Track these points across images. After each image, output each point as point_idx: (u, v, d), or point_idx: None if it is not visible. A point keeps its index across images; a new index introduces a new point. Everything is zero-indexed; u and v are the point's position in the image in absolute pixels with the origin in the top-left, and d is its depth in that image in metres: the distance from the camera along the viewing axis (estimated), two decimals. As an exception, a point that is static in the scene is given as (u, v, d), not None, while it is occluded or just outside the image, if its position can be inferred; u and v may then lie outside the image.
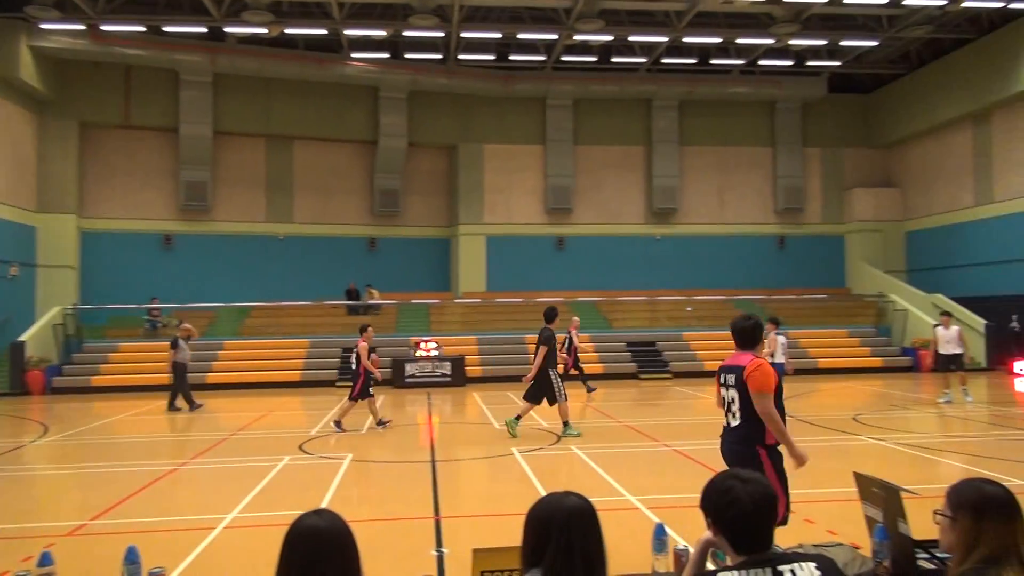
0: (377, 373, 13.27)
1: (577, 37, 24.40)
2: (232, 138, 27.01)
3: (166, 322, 24.42)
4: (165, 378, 17.04)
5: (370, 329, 13.33)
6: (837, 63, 27.52)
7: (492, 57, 26.36)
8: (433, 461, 10.29)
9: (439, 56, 26.42)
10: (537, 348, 12.24)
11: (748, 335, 5.28)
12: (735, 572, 2.26)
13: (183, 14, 23.08)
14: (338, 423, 12.95)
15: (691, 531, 2.65)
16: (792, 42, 25.04)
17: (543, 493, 2.41)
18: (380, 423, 13.19)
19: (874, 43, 25.44)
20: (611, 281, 28.59)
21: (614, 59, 26.69)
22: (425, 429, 14.23)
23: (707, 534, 2.48)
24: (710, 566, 2.61)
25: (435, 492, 8.40)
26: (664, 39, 24.61)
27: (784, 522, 4.75)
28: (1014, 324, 22.98)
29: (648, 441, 11.70)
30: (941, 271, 27.18)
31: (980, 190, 25.72)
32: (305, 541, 2.18)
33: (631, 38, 24.74)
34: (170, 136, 26.25)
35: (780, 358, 14.28)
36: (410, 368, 21.72)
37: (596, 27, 23.35)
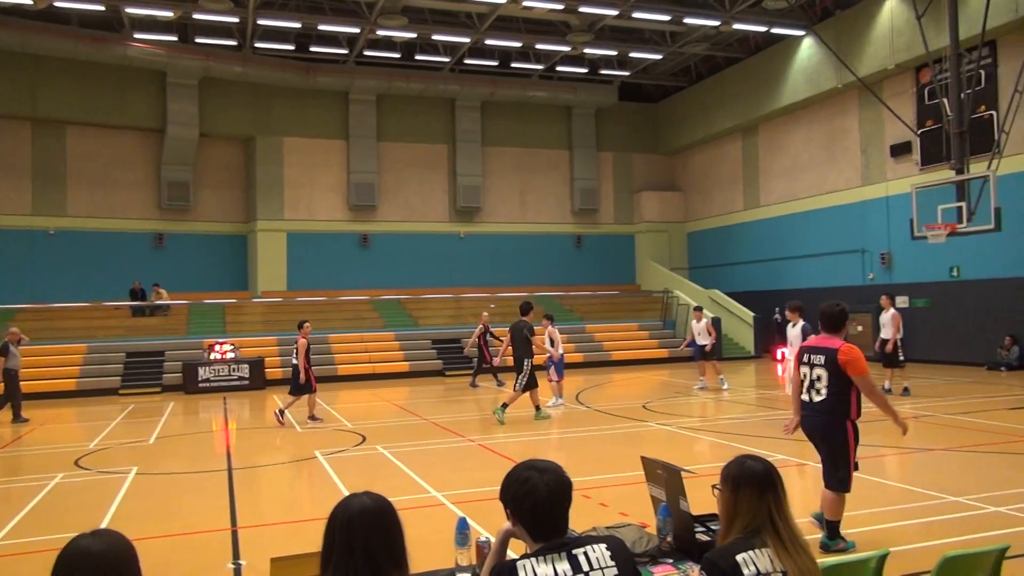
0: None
1: (380, 32, 24.17)
2: (-10, 120, 24.08)
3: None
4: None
5: (307, 324, 13.87)
6: (627, 73, 29.33)
7: (291, 47, 25.43)
8: (230, 469, 9.78)
9: (234, 43, 25.09)
10: (513, 340, 13.32)
11: (836, 320, 5.74)
12: (532, 559, 2.34)
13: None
14: (312, 416, 13.71)
15: (495, 523, 2.71)
16: (586, 51, 26.39)
17: (347, 494, 2.37)
18: (313, 418, 13.76)
19: (659, 56, 27.39)
20: (416, 279, 28.62)
21: (418, 57, 26.71)
22: (221, 436, 13.48)
23: (507, 524, 2.55)
24: (511, 554, 2.68)
25: (232, 502, 7.99)
26: (466, 40, 24.99)
27: (848, 488, 5.63)
28: (777, 316, 25.68)
29: (453, 437, 11.84)
30: (718, 268, 29.82)
31: (749, 195, 28.49)
32: (76, 566, 1.95)
33: (435, 37, 24.88)
34: (-90, 115, 22.94)
35: (554, 349, 15.00)
36: (203, 372, 20.46)
37: (399, 23, 23.27)
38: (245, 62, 25.76)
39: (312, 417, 13.79)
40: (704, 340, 17.06)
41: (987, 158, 16.05)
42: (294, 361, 13.70)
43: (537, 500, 2.37)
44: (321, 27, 23.70)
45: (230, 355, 20.85)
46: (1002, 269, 19.13)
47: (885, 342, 14.67)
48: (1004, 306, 18.89)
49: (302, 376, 13.55)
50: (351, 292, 27.54)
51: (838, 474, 5.67)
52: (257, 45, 25.16)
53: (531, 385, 12.99)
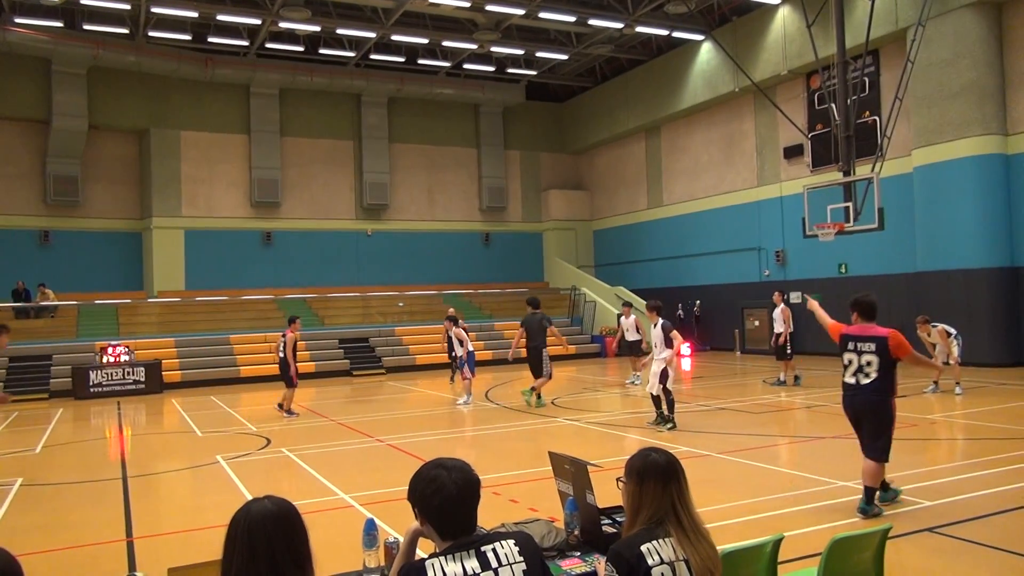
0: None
1: (283, 25, 23.55)
2: None
3: None
4: None
5: (298, 320, 14.53)
6: (533, 72, 29.59)
7: (188, 37, 24.45)
8: (124, 478, 9.36)
9: (126, 31, 23.95)
10: (528, 332, 14.14)
11: (873, 309, 6.57)
12: (441, 558, 2.34)
13: None
14: (289, 411, 14.01)
15: (404, 523, 2.69)
16: (493, 49, 26.48)
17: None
18: (290, 412, 14.03)
19: (564, 57, 27.76)
20: (322, 277, 28.07)
21: (322, 51, 26.16)
22: (115, 443, 12.87)
23: (415, 524, 2.54)
24: (421, 554, 2.68)
25: (127, 511, 7.65)
26: (372, 35, 24.65)
27: (888, 458, 6.32)
28: (680, 312, 26.46)
29: (361, 437, 11.69)
30: (623, 266, 30.48)
31: (652, 194, 29.25)
32: None
33: (339, 31, 24.43)
34: None
35: (463, 348, 15.10)
36: (95, 376, 19.46)
37: (302, 16, 22.73)
38: (138, 51, 24.62)
39: (288, 411, 14.07)
40: (634, 336, 17.48)
41: (871, 161, 17.00)
42: (281, 355, 14.19)
43: (445, 498, 2.37)
44: (220, 17, 22.89)
45: (124, 358, 19.92)
46: (885, 266, 20.30)
47: (778, 336, 15.52)
48: (887, 300, 20.01)
49: (291, 369, 13.96)
50: (254, 291, 26.76)
51: (880, 445, 6.31)
52: (151, 34, 24.09)
53: (544, 373, 14.01)
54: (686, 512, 2.61)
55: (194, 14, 22.73)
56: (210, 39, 24.61)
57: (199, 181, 26.77)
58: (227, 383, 21.27)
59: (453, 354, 17.76)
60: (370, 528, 3.12)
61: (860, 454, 6.53)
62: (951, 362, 13.49)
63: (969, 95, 17.83)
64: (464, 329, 16.00)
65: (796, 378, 15.74)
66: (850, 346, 6.48)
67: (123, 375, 19.71)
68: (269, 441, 11.40)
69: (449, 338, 17.04)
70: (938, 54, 18.20)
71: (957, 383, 13.55)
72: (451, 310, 19.13)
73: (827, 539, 3.34)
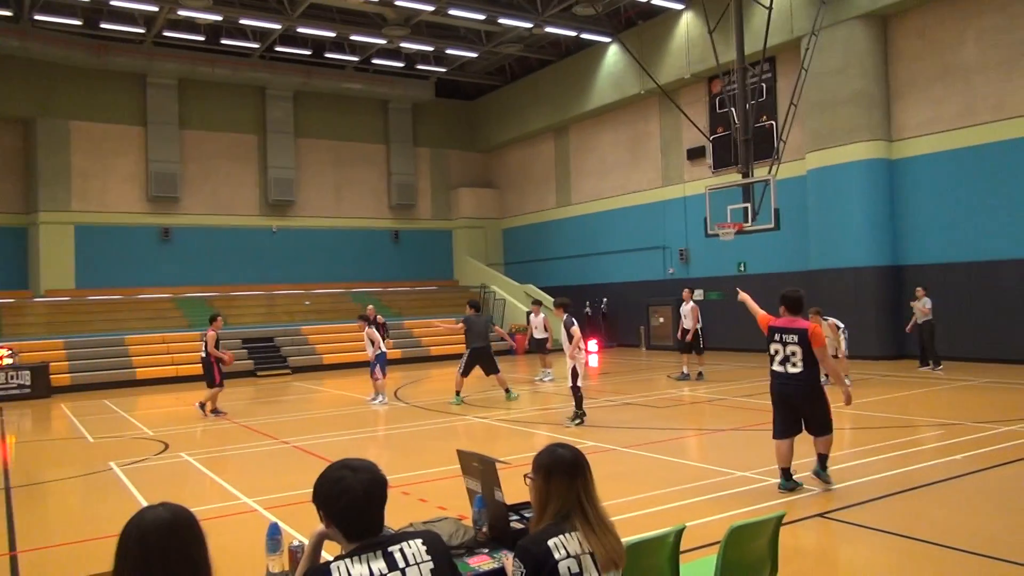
0: (227, 356, 13.96)
1: (181, 13, 22.64)
2: None
3: None
4: None
5: (220, 318, 14.17)
6: (443, 69, 29.48)
7: (79, 22, 23.21)
8: (7, 488, 8.81)
9: (8, 13, 22.53)
10: (475, 333, 14.54)
11: (800, 304, 7.09)
12: (347, 560, 2.30)
13: None
14: (215, 410, 13.80)
15: (310, 526, 2.64)
16: (403, 45, 26.24)
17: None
18: (216, 412, 13.85)
19: (474, 55, 27.78)
20: (224, 275, 27.18)
21: (225, 41, 25.31)
22: (-3, 451, 12.11)
23: (320, 527, 2.50)
24: (327, 556, 2.63)
25: (10, 523, 7.21)
26: (277, 26, 24.01)
27: (832, 429, 7.05)
28: (587, 310, 26.90)
29: (266, 439, 11.39)
30: (532, 264, 30.75)
31: (561, 193, 29.62)
32: None
33: (242, 21, 23.67)
34: None
35: (373, 348, 14.93)
36: (-25, 381, 18.25)
37: (203, 4, 21.92)
38: (23, 36, 23.21)
39: (214, 411, 13.90)
40: (541, 334, 17.65)
41: (769, 164, 17.71)
42: (203, 354, 13.93)
43: (351, 500, 2.34)
44: (113, 2, 21.81)
45: (7, 361, 18.75)
46: (781, 264, 21.21)
47: (686, 331, 16.08)
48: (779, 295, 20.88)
49: (215, 371, 13.76)
50: (151, 290, 25.68)
51: (825, 421, 7.02)
52: (37, 18, 22.75)
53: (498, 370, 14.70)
54: (592, 506, 2.66)
55: (85, -2, 21.60)
56: (103, 25, 23.43)
57: (91, 174, 25.47)
58: (122, 386, 20.33)
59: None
60: (273, 532, 3.04)
61: (759, 444, 6.79)
62: (839, 355, 14.16)
63: (858, 103, 18.82)
64: (381, 326, 15.82)
65: (700, 374, 16.29)
66: (776, 337, 7.03)
67: (6, 379, 18.56)
68: (167, 446, 10.96)
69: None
70: (829, 63, 19.13)
71: (845, 375, 14.19)
72: (369, 308, 18.74)
73: (726, 527, 3.46)
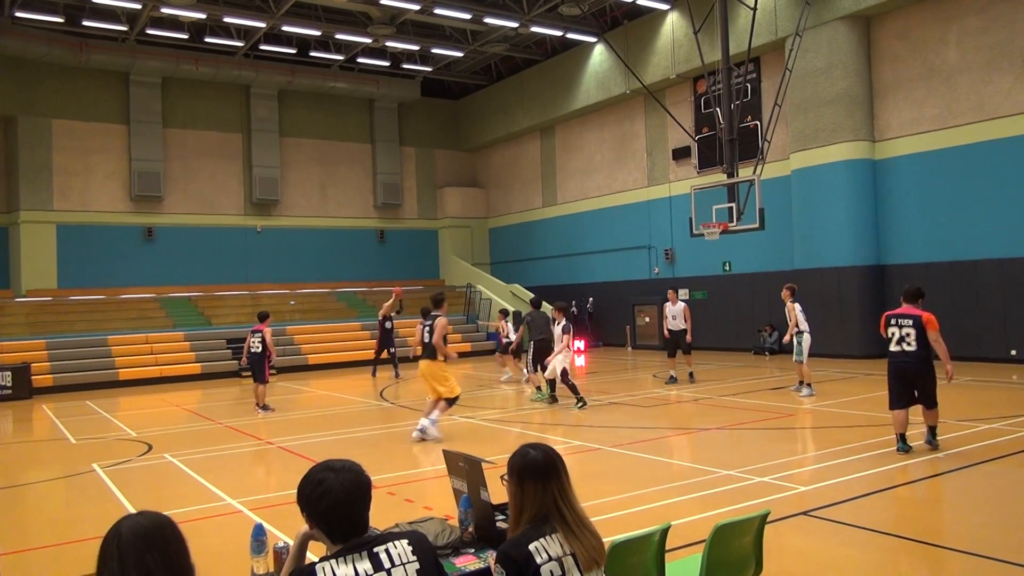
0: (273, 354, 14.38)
1: (165, 11, 22.46)
2: None
3: None
4: None
5: (270, 316, 14.63)
6: (429, 69, 29.43)
7: (60, 20, 22.98)
8: (-12, 490, 8.72)
9: (-11, 10, 22.29)
10: (538, 327, 14.24)
11: (916, 295, 8.50)
12: (332, 561, 2.30)
13: None
14: (264, 406, 14.06)
15: (295, 527, 2.63)
16: (388, 44, 26.16)
17: (132, 510, 2.19)
18: (266, 407, 14.12)
19: (460, 54, 27.74)
20: (208, 275, 27.01)
21: (209, 39, 25.14)
22: (-23, 453, 11.97)
23: (305, 527, 2.49)
24: (312, 557, 2.62)
25: (-9, 526, 7.13)
26: (262, 25, 23.87)
27: (937, 403, 8.35)
28: (574, 309, 26.93)
29: (251, 440, 11.33)
30: (518, 263, 30.76)
31: (547, 193, 29.64)
32: None
33: (227, 19, 23.51)
34: None
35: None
36: (-45, 382, 18.04)
37: (186, 3, 21.76)
38: (4, 33, 22.96)
39: (263, 407, 14.13)
40: (508, 338, 17.95)
41: (753, 164, 17.80)
42: (257, 350, 14.08)
43: (333, 502, 2.33)
44: (96, 0, 21.61)
45: (-12, 361, 18.57)
46: (766, 264, 21.32)
47: (674, 332, 15.66)
48: (767, 297, 21.03)
49: (267, 367, 14.16)
50: (134, 289, 25.48)
51: (933, 396, 8.29)
52: (18, 14, 22.51)
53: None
54: (568, 507, 2.64)
55: (66, -5, 21.38)
56: (85, 22, 23.21)
57: (73, 173, 25.25)
58: (105, 387, 20.17)
59: (392, 350, 19.58)
60: (258, 533, 3.03)
61: (744, 443, 6.82)
62: (797, 355, 13.42)
63: (841, 103, 18.95)
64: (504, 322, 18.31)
65: (691, 375, 15.99)
66: (893, 322, 8.42)
67: (-13, 380, 18.36)
68: (150, 447, 10.89)
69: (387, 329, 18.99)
70: (813, 63, 19.25)
71: (801, 382, 13.56)
72: (387, 304, 19.41)
73: (711, 526, 3.48)
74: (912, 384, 8.27)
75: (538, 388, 14.43)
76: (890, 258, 18.88)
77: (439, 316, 10.57)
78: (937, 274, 17.68)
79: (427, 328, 10.61)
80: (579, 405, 12.71)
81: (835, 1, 18.87)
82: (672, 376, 15.82)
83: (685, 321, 15.51)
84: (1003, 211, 16.76)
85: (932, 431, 8.45)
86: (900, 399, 8.30)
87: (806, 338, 13.13)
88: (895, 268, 18.67)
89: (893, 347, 8.35)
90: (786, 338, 13.52)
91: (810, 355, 13.26)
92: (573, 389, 12.87)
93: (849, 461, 8.13)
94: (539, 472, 2.65)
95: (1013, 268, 16.54)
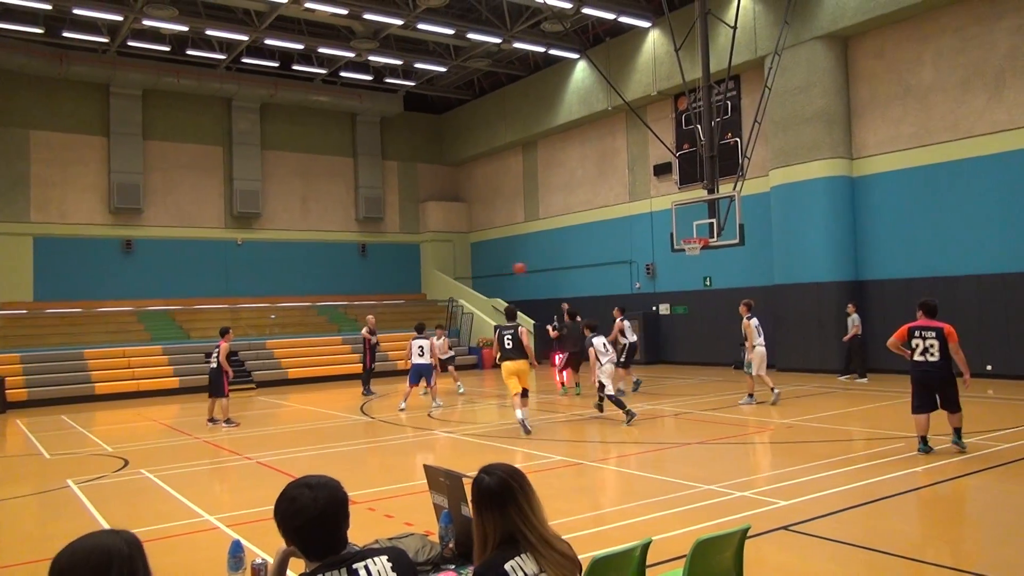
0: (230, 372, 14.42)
1: (147, 23, 22.37)
2: None
3: None
4: None
5: (231, 332, 14.79)
6: (412, 83, 29.50)
7: (40, 30, 22.82)
8: (-41, 506, 8.56)
9: (-33, 21, 22.09)
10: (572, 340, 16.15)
11: (934, 309, 9.09)
12: (310, 578, 2.27)
13: None
14: (227, 420, 14.16)
15: (275, 543, 2.60)
16: (371, 58, 26.20)
17: (106, 527, 2.15)
18: (228, 421, 14.20)
19: (443, 69, 27.84)
20: (188, 288, 26.78)
21: (191, 52, 25.05)
22: (-52, 468, 11.75)
23: (285, 544, 2.46)
24: (291, 575, 2.59)
25: (-38, 543, 6.99)
26: (244, 38, 23.83)
27: (960, 408, 8.95)
28: (555, 323, 26.91)
29: (229, 455, 11.21)
30: (500, 278, 30.76)
31: (529, 208, 29.72)
32: None
33: (209, 32, 23.46)
34: None
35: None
36: (-74, 396, 17.73)
37: (168, 15, 21.69)
38: (-19, 43, 22.78)
39: (226, 421, 14.23)
40: (444, 355, 18.73)
41: (733, 180, 17.95)
42: (214, 364, 14.31)
43: (308, 519, 2.31)
44: (77, 11, 21.50)
45: (-39, 375, 18.27)
46: (746, 279, 21.47)
47: (627, 347, 16.86)
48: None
49: (225, 381, 14.21)
50: (112, 303, 25.20)
51: (955, 400, 8.88)
52: (-3, 25, 22.34)
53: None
54: (531, 529, 2.57)
55: (47, 6, 21.21)
56: (65, 34, 23.06)
57: (51, 184, 25.00)
58: (81, 401, 19.90)
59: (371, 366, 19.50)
60: (236, 550, 3.00)
61: (724, 457, 6.83)
62: (751, 361, 13.99)
63: (819, 121, 19.19)
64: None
65: (636, 382, 16.87)
66: (917, 334, 8.97)
67: (-41, 394, 18.06)
68: (127, 462, 10.74)
69: (373, 345, 19.22)
70: (792, 81, 19.49)
71: (750, 394, 14.20)
72: (370, 317, 19.19)
73: (692, 541, 3.48)
74: (935, 391, 8.84)
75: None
76: (868, 274, 19.08)
77: (520, 325, 12.38)
78: (914, 290, 17.85)
79: (508, 336, 12.27)
80: (631, 417, 12.33)
81: (813, 21, 19.15)
82: (619, 389, 16.22)
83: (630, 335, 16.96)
84: (978, 228, 17.01)
85: (958, 432, 9.00)
86: (923, 405, 8.91)
87: (759, 351, 13.92)
88: (873, 284, 18.86)
89: (917, 357, 8.92)
90: (748, 355, 14.25)
91: (769, 368, 14.25)
92: (618, 403, 12.55)
93: (829, 475, 8.18)
94: (494, 499, 2.58)
95: (988, 284, 16.76)
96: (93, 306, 24.82)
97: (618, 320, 17.07)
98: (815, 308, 19.17)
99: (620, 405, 12.44)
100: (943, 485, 7.77)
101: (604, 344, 12.81)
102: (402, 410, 15.24)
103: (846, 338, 17.75)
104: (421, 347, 16.08)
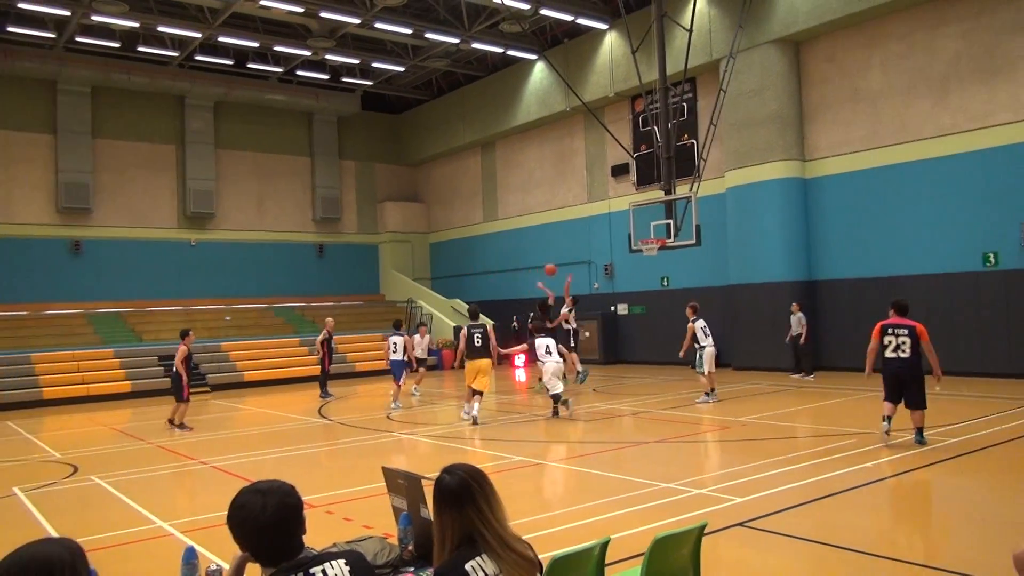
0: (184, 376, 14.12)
1: (95, 18, 21.82)
2: None
3: None
4: None
5: (192, 334, 14.71)
6: (369, 83, 29.28)
7: (-17, 25, 22.12)
8: (-102, 517, 8.25)
9: (-95, 14, 21.33)
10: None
11: (906, 309, 9.51)
12: (265, 585, 2.24)
13: None
14: (181, 425, 13.89)
15: (231, 549, 2.56)
16: (328, 57, 25.94)
17: (54, 535, 2.09)
18: (182, 427, 13.94)
19: (401, 68, 27.68)
20: (140, 290, 26.22)
21: (142, 48, 24.52)
22: None
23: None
24: (246, 581, 2.55)
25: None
26: (197, 35, 23.40)
27: (925, 405, 9.34)
28: (515, 324, 26.98)
29: (183, 460, 11.00)
30: (459, 278, 30.70)
31: (488, 208, 29.71)
32: None
33: (161, 28, 22.98)
34: None
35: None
36: None
37: (119, 10, 21.19)
38: (-80, 37, 22.01)
39: (180, 426, 13.98)
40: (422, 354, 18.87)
41: (690, 181, 18.18)
42: (173, 369, 14.24)
43: (258, 525, 2.27)
44: (22, 6, 20.87)
45: (-100, 381, 17.63)
46: (703, 279, 21.75)
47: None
48: (704, 311, 21.36)
49: (184, 385, 14.04)
50: (60, 305, 24.55)
51: (921, 398, 9.27)
52: (-63, 19, 21.60)
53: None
54: (489, 529, 2.57)
55: (-10, 0, 20.59)
56: (10, 28, 22.40)
57: (-5, 184, 24.26)
58: (27, 407, 19.35)
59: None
60: (189, 557, 2.94)
61: (681, 455, 6.90)
62: (699, 366, 14.35)
63: (773, 123, 19.53)
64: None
65: (578, 374, 16.96)
66: (889, 331, 9.37)
67: (-102, 400, 17.42)
68: (76, 468, 10.47)
69: (330, 347, 18.76)
70: (747, 85, 19.80)
71: (706, 393, 14.47)
72: (329, 320, 18.86)
73: (650, 539, 3.51)
74: (904, 386, 9.29)
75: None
76: (820, 273, 19.47)
77: (486, 325, 13.20)
78: (863, 289, 18.30)
79: (478, 334, 13.00)
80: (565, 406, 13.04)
81: (766, 25, 19.48)
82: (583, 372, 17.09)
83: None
84: (925, 229, 17.47)
85: (920, 431, 9.37)
86: (892, 396, 9.43)
87: (708, 352, 14.31)
88: (825, 284, 19.25)
89: (889, 354, 9.34)
90: (681, 353, 14.86)
91: (724, 366, 14.44)
92: (555, 398, 13.17)
93: (783, 472, 8.32)
94: (453, 498, 2.59)
95: (934, 284, 17.22)
96: (40, 309, 24.15)
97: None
98: (769, 308, 19.48)
99: (555, 400, 13.11)
100: (895, 479, 7.96)
101: (547, 347, 13.39)
102: (396, 409, 15.46)
103: (788, 337, 18.10)
104: (395, 344, 16.23)
